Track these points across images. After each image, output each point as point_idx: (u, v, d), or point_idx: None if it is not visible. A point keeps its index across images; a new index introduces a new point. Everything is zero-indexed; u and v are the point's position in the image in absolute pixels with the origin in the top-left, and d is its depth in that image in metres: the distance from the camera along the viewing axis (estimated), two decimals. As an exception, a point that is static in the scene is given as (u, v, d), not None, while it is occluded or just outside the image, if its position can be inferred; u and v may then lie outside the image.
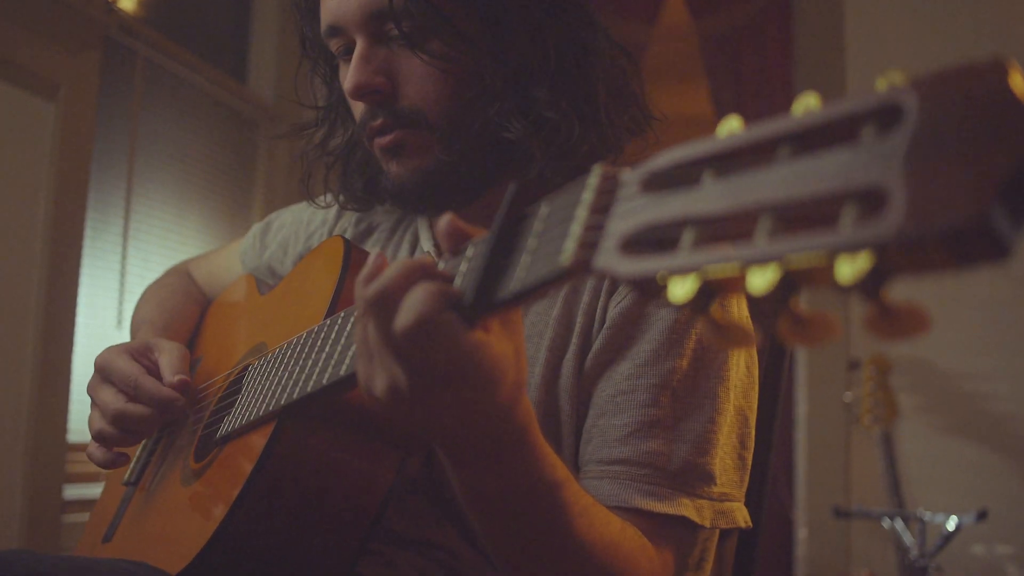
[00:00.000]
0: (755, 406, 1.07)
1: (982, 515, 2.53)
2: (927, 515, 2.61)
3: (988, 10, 3.16)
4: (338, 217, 1.34)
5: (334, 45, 1.12)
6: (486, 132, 1.07)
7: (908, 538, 2.65)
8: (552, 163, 1.06)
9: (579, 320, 1.05)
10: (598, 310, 1.04)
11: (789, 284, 0.49)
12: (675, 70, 3.95)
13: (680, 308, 0.98)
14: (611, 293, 1.04)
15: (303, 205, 1.42)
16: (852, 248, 0.46)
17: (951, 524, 2.56)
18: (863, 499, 3.09)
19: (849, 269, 0.46)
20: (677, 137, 1.15)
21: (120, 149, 2.86)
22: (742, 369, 1.05)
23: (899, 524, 2.67)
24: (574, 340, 1.04)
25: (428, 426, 0.73)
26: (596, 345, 1.03)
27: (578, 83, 1.08)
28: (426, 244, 1.21)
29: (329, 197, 1.31)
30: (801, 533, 3.25)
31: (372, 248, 1.27)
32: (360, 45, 1.07)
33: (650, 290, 0.55)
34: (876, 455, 2.85)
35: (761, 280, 0.49)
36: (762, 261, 0.49)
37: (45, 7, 2.48)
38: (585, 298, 1.05)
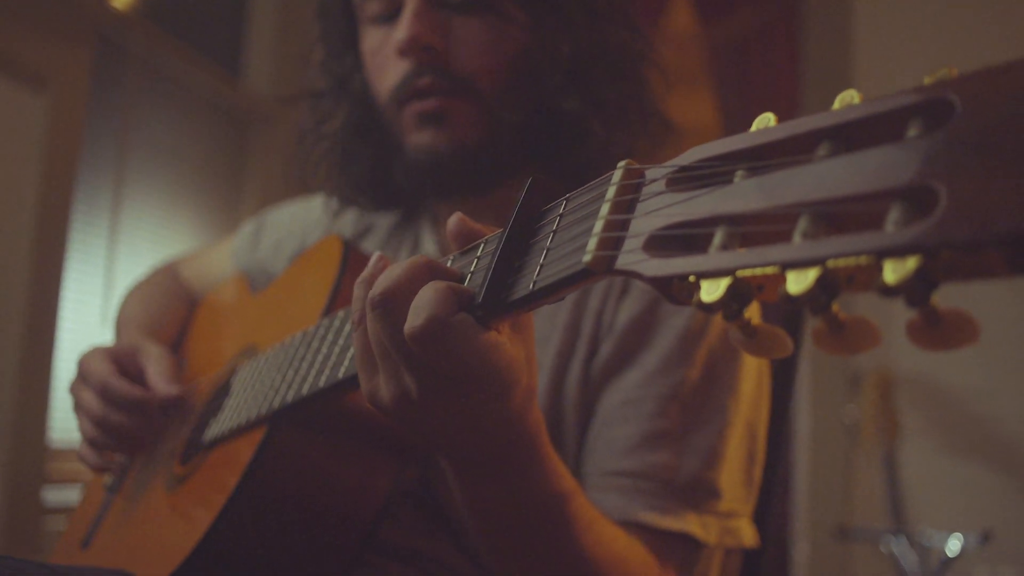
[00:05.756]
0: (765, 420, 1.03)
1: (986, 536, 2.49)
2: (930, 535, 2.58)
3: (999, 17, 3.14)
4: (335, 216, 1.29)
5: (373, 5, 1.07)
6: (539, 106, 1.05)
7: (910, 559, 2.61)
8: (604, 146, 1.05)
9: (587, 326, 1.01)
10: (606, 315, 1.00)
11: (828, 287, 0.46)
12: (680, 77, 3.93)
13: (694, 315, 0.97)
14: (620, 299, 1.00)
15: (299, 203, 1.37)
16: (901, 251, 0.43)
17: (954, 544, 2.52)
18: (864, 518, 3.05)
19: (896, 273, 0.43)
20: (682, 144, 1.14)
21: (110, 144, 2.82)
22: (753, 381, 1.01)
23: (901, 543, 2.64)
24: (581, 346, 1.01)
25: (437, 434, 0.69)
26: (604, 352, 0.99)
27: (628, 73, 1.08)
28: (428, 245, 1.17)
29: (325, 197, 1.27)
30: (801, 553, 3.21)
31: (370, 249, 1.22)
32: (414, 1, 1.02)
33: (678, 293, 0.51)
34: (878, 474, 2.82)
35: (800, 283, 0.46)
36: (803, 264, 0.46)
37: (36, -1, 2.45)
38: (594, 303, 1.01)
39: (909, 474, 2.94)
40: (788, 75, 3.47)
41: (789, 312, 1.12)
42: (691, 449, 0.95)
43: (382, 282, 0.64)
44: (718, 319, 0.98)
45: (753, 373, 1.01)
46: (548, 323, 1.03)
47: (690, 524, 0.92)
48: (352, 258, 0.99)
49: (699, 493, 0.94)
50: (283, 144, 3.35)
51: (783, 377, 1.15)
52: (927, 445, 3.06)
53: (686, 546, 0.93)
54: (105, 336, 2.70)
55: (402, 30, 1.02)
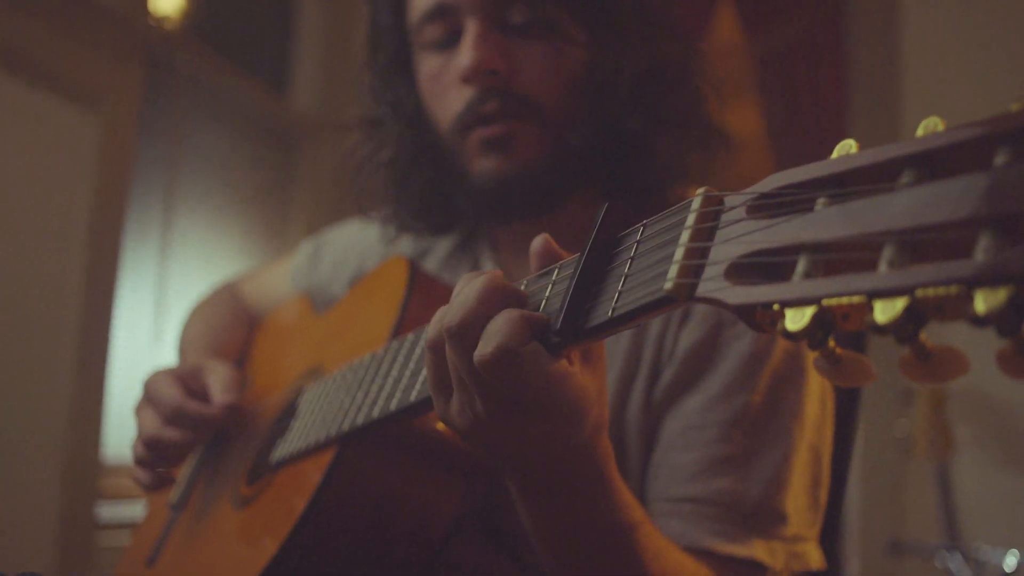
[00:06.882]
0: (829, 442, 1.03)
1: (1043, 552, 2.45)
2: (986, 551, 2.53)
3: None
4: (390, 243, 1.27)
5: (431, 31, 1.06)
6: (601, 127, 1.05)
7: (966, 574, 2.56)
8: (667, 164, 1.05)
9: (648, 351, 1.01)
10: (667, 341, 1.00)
11: (916, 317, 0.46)
12: (726, 88, 3.91)
13: (756, 340, 0.96)
14: (682, 324, 1.00)
15: (356, 224, 1.38)
16: (992, 280, 0.43)
17: (1011, 561, 2.47)
18: (918, 533, 3.00)
19: (988, 302, 0.43)
20: (734, 157, 1.13)
21: (160, 161, 2.87)
22: (816, 404, 1.00)
23: (956, 559, 2.59)
24: (643, 372, 1.00)
25: (506, 457, 0.71)
26: (666, 377, 0.99)
27: (687, 88, 1.08)
28: (487, 267, 1.16)
29: (381, 224, 1.26)
30: (852, 568, 3.16)
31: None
32: (476, 26, 1.02)
33: (761, 321, 0.51)
34: (931, 488, 2.77)
35: (887, 313, 0.46)
36: (891, 293, 0.46)
37: (89, 19, 2.49)
38: (655, 328, 1.01)
39: (963, 488, 2.88)
40: (834, 84, 3.43)
41: (851, 339, 1.11)
42: (756, 474, 0.94)
43: (458, 311, 0.65)
44: (780, 343, 0.97)
45: (817, 396, 1.00)
46: (610, 349, 1.02)
47: (757, 550, 0.92)
48: (418, 279, 1.00)
49: (765, 518, 0.93)
50: (330, 161, 3.38)
51: (847, 400, 1.14)
52: (981, 459, 3.00)
53: (753, 572, 0.93)
54: (157, 354, 2.74)
55: (466, 56, 1.01)
